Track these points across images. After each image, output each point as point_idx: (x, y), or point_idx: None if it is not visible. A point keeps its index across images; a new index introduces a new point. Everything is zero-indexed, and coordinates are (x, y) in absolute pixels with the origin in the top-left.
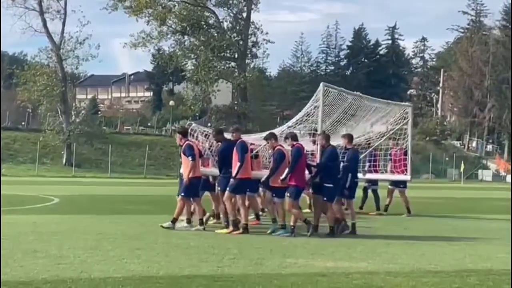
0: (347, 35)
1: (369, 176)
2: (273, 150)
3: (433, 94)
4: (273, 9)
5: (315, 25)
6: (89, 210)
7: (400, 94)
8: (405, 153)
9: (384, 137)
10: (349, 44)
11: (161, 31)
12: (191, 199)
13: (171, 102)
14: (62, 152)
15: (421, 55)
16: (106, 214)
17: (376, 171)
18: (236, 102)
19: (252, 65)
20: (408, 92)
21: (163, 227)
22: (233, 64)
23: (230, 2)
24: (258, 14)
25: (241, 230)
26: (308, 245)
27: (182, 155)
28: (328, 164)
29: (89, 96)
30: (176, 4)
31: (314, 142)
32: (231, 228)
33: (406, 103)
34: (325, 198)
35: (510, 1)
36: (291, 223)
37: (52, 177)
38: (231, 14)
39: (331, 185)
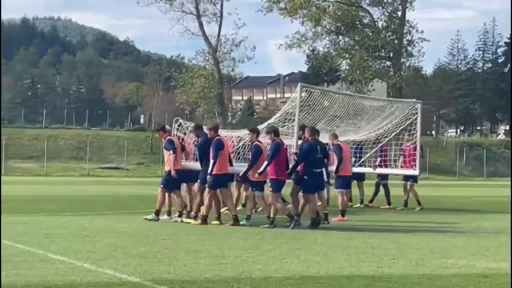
0: (505, 31)
1: (379, 170)
2: (251, 145)
3: None
4: (428, 7)
5: (472, 22)
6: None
7: None
8: (415, 148)
9: (394, 133)
10: (507, 40)
11: (315, 31)
12: (173, 191)
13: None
14: None
15: None
16: (264, 215)
17: (386, 166)
18: None
19: (407, 64)
20: None
21: (146, 219)
22: (388, 63)
23: (385, 1)
24: (413, 12)
25: (200, 221)
26: (468, 246)
27: (164, 149)
28: (306, 157)
29: (245, 97)
30: (331, 5)
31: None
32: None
33: (414, 100)
34: (302, 190)
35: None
36: (271, 215)
37: None
38: (386, 13)
39: (306, 177)
